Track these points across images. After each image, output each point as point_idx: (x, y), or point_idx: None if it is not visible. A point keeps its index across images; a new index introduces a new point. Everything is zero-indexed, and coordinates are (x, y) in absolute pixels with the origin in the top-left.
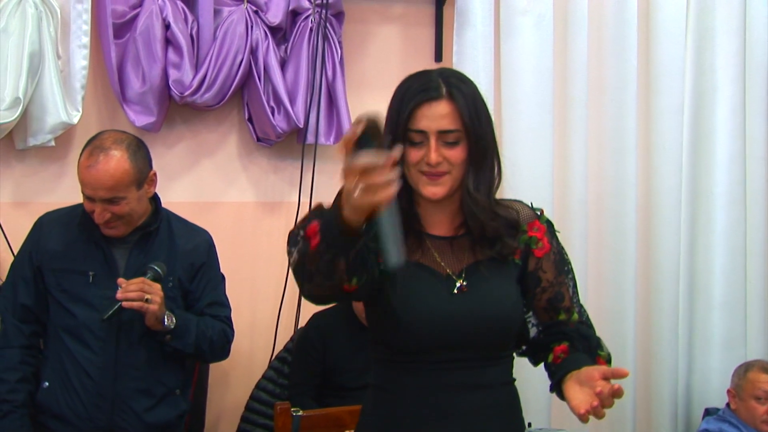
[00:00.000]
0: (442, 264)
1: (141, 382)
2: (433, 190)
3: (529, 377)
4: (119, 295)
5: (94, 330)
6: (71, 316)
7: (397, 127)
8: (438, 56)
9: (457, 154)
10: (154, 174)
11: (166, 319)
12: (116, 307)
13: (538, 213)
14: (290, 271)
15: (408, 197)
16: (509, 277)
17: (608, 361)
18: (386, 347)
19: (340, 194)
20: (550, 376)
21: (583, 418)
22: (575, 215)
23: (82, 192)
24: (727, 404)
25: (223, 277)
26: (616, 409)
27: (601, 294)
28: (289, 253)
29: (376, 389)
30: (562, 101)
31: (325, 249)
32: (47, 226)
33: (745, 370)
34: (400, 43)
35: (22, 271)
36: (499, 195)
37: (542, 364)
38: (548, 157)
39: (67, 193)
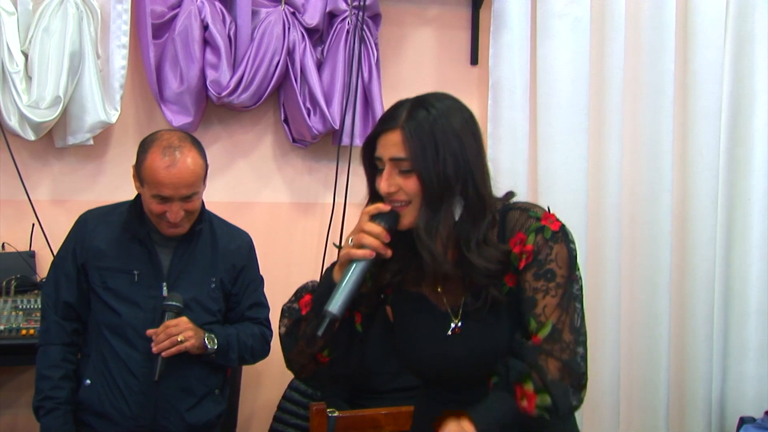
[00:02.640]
0: (443, 298)
1: (184, 381)
2: (401, 221)
3: None
4: (154, 350)
5: (138, 329)
6: (115, 315)
7: (365, 155)
8: (474, 59)
9: (411, 184)
10: (208, 168)
11: (207, 344)
12: (159, 362)
13: (537, 219)
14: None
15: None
16: (505, 311)
17: (540, 391)
18: None
19: (329, 269)
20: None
21: None
22: (609, 220)
23: (155, 195)
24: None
25: (262, 279)
26: (649, 415)
27: (635, 299)
28: (281, 325)
29: (421, 396)
30: (598, 105)
31: (313, 316)
32: (92, 223)
33: None
34: (436, 45)
35: (65, 268)
36: (533, 198)
37: None
38: (583, 160)
39: (104, 191)
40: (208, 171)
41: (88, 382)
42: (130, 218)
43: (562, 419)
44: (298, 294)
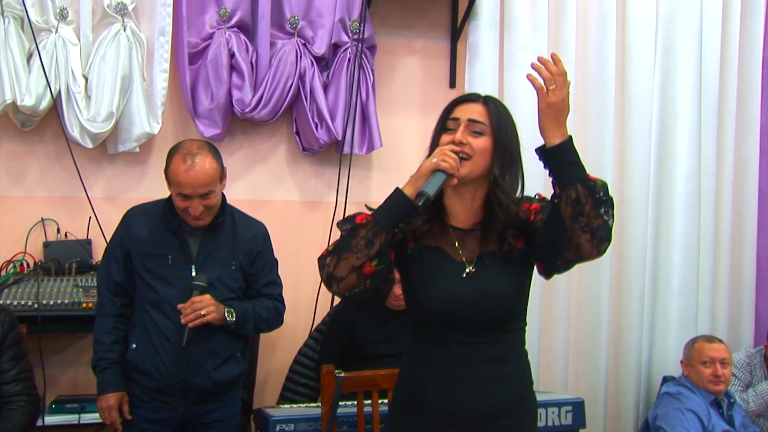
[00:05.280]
0: (460, 251)
1: (210, 346)
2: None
3: None
4: (182, 321)
5: (173, 303)
6: (154, 292)
7: (440, 120)
8: (452, 83)
9: (479, 142)
10: (226, 170)
11: (227, 316)
12: (186, 331)
13: (534, 197)
14: (320, 260)
15: (440, 194)
16: (514, 265)
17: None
18: (416, 321)
19: (397, 189)
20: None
21: (536, 82)
22: None
23: (178, 193)
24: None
25: (276, 261)
26: (591, 375)
27: (582, 282)
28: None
29: (410, 357)
30: None
31: (373, 224)
32: (135, 217)
33: (692, 342)
34: (422, 71)
35: (114, 253)
36: None
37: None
38: (540, 168)
39: (147, 190)
40: (233, 174)
41: (134, 346)
42: (165, 213)
43: (609, 206)
44: (349, 218)
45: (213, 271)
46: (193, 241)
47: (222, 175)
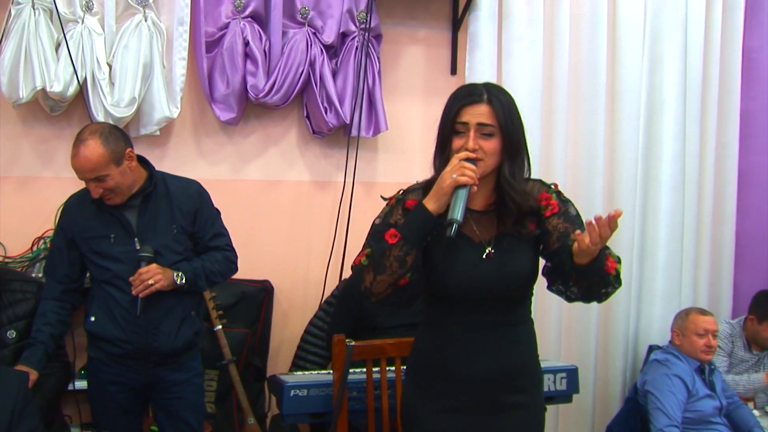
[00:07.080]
0: (477, 232)
1: (164, 310)
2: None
3: None
4: (133, 292)
5: (124, 277)
6: (105, 270)
7: (447, 121)
8: (453, 71)
9: (490, 145)
10: (131, 151)
11: (177, 280)
12: (139, 301)
13: (551, 187)
14: (354, 271)
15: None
16: (527, 246)
17: (618, 261)
18: (434, 295)
19: (420, 205)
20: (564, 263)
21: (582, 243)
22: None
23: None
24: (670, 341)
25: (218, 212)
26: (581, 344)
27: None
28: (365, 260)
29: (425, 326)
30: (548, 108)
31: (403, 243)
32: (72, 206)
33: (686, 314)
34: (425, 59)
35: (59, 242)
36: None
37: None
38: (536, 151)
39: (168, 170)
40: (247, 155)
41: (92, 318)
42: None
43: (614, 289)
44: (376, 234)
45: (155, 239)
46: (131, 216)
47: (117, 158)
